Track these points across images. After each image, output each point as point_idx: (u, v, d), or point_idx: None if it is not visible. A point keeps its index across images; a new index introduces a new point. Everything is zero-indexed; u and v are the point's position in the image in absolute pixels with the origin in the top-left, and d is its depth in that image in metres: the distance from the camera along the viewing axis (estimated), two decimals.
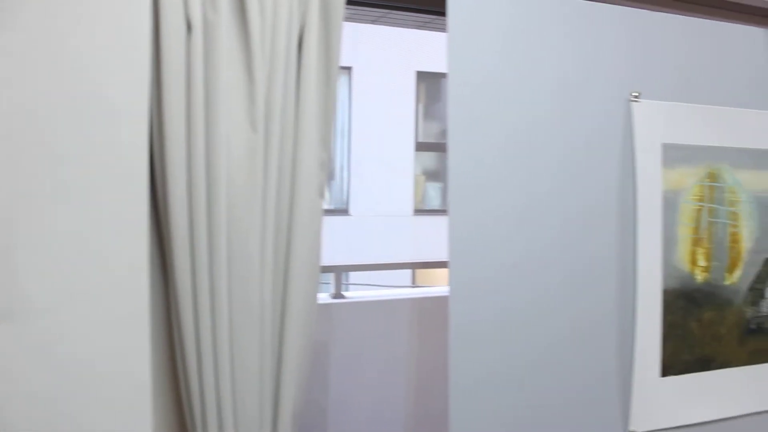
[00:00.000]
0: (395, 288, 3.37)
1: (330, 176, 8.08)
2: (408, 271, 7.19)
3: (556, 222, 1.48)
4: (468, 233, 1.40)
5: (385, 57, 8.01)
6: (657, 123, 1.59)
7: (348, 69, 8.06)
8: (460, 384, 1.39)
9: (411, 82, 8.32)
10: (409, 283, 6.91)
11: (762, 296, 1.74)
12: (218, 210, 1.33)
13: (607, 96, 1.55)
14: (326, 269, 3.26)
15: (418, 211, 7.93)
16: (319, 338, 2.40)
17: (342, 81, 8.10)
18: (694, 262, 1.64)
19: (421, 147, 8.31)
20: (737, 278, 1.70)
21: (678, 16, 1.67)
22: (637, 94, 1.56)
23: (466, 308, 1.39)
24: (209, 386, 1.34)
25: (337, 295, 2.68)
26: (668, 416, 1.63)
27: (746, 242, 1.71)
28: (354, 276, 7.17)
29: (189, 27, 1.30)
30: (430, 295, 2.71)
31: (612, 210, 1.54)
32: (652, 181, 1.58)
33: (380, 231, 7.21)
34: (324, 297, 2.70)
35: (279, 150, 1.40)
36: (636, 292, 1.56)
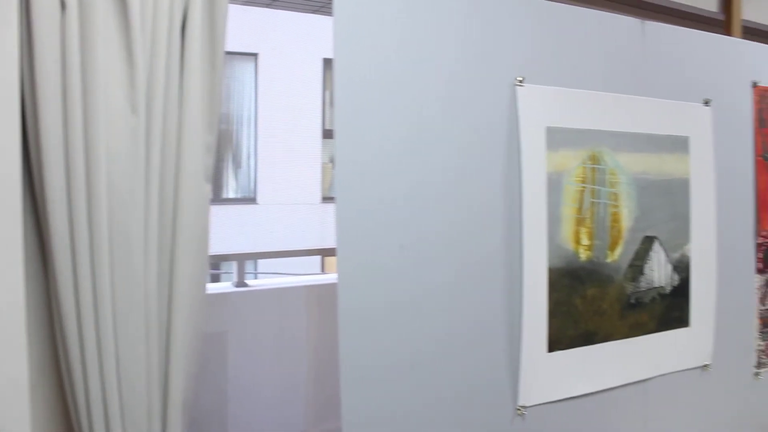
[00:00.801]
0: (302, 276, 3.35)
1: (237, 165, 7.96)
2: (318, 259, 7.19)
3: (445, 206, 1.50)
4: (355, 220, 1.40)
5: (293, 43, 7.93)
6: (541, 107, 1.64)
7: (254, 56, 7.94)
8: (351, 369, 1.40)
9: (318, 69, 8.28)
10: (319, 271, 6.90)
11: (641, 272, 1.83)
12: (98, 196, 1.29)
13: (493, 81, 1.58)
14: (228, 257, 3.23)
15: (327, 199, 7.92)
16: (221, 327, 2.37)
17: (248, 68, 7.97)
18: (577, 241, 1.70)
19: (329, 134, 8.29)
20: (618, 256, 1.78)
21: (561, 5, 1.72)
22: (521, 79, 1.61)
23: (354, 294, 1.40)
24: (94, 380, 1.30)
25: (240, 283, 2.65)
26: (555, 390, 1.69)
27: (626, 221, 1.79)
28: (263, 265, 7.11)
29: (63, 5, 1.25)
30: (331, 281, 2.71)
31: (499, 192, 1.58)
32: (536, 163, 1.63)
33: (288, 219, 7.16)
34: (226, 286, 2.67)
35: (162, 133, 1.37)
36: (523, 271, 1.60)
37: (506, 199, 1.59)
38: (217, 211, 7.70)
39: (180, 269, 1.41)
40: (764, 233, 2.17)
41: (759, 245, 2.16)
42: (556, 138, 1.66)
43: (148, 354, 1.37)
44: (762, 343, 2.19)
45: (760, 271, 2.17)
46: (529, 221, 1.61)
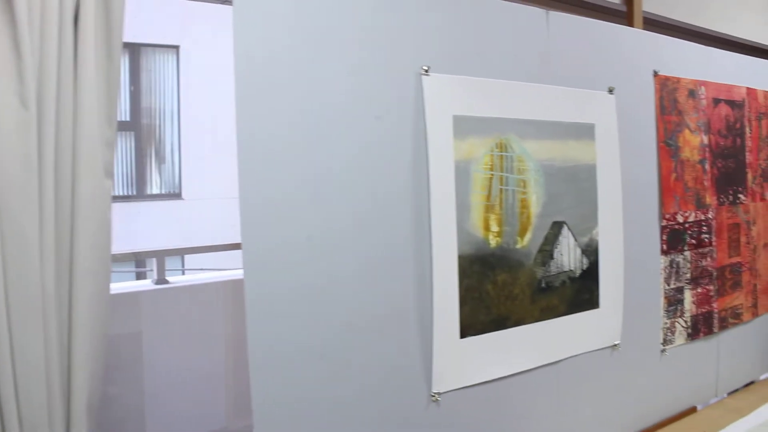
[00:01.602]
0: (229, 270, 3.31)
1: (160, 160, 7.77)
2: None
3: (351, 196, 1.50)
4: (260, 212, 1.39)
5: (215, 36, 7.78)
6: (447, 96, 1.65)
7: (175, 48, 7.75)
8: (260, 362, 1.38)
9: None
10: None
11: (551, 257, 1.87)
12: None
13: (398, 70, 1.58)
14: (143, 255, 3.16)
15: None
16: (140, 325, 2.32)
17: (169, 60, 7.78)
18: (487, 227, 1.73)
19: None
20: (528, 241, 1.81)
21: None
22: (426, 68, 1.61)
23: (262, 287, 1.38)
24: None
25: (161, 280, 2.60)
26: (468, 375, 1.72)
27: (534, 207, 1.83)
28: (191, 261, 6.98)
29: None
30: None
31: (407, 181, 1.58)
32: (443, 151, 1.64)
33: (215, 214, 7.04)
34: (147, 283, 2.62)
35: (55, 128, 1.32)
36: (432, 259, 1.62)
37: (414, 188, 1.60)
38: (141, 208, 7.54)
39: (80, 267, 1.37)
40: (668, 216, 2.25)
41: (663, 228, 2.24)
42: (463, 126, 1.68)
43: (48, 356, 1.32)
44: (668, 321, 2.27)
45: (664, 253, 2.25)
46: (438, 209, 1.62)
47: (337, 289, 1.48)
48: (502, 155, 1.76)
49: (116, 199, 7.71)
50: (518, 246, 1.79)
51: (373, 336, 1.54)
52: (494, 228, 1.74)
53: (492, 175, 1.74)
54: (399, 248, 1.58)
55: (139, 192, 7.65)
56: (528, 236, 1.82)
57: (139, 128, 7.62)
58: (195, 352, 2.40)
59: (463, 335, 1.69)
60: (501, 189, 1.75)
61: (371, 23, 1.54)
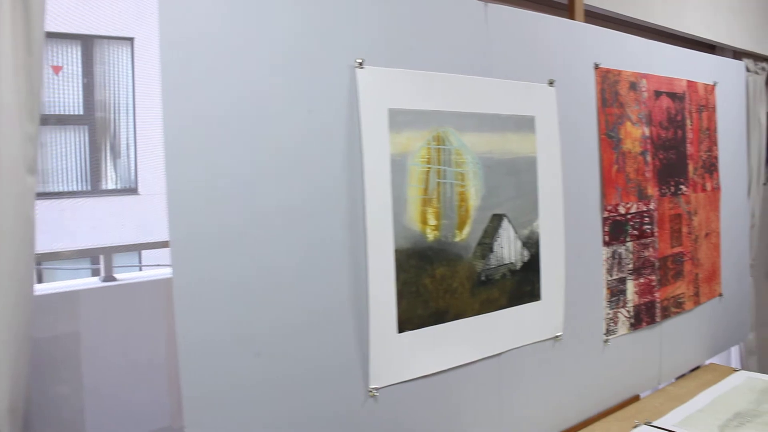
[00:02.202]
0: None
1: (115, 155, 7.64)
2: None
3: (284, 190, 1.48)
4: (188, 205, 1.36)
5: None
6: (382, 89, 1.64)
7: (129, 40, 7.63)
8: (191, 361, 1.36)
9: None
10: None
11: (491, 250, 1.87)
12: None
13: (331, 63, 1.56)
14: (94, 251, 3.11)
15: None
16: (83, 324, 2.27)
17: (123, 53, 7.65)
18: (424, 221, 1.72)
19: None
20: (466, 235, 1.81)
21: None
22: (360, 61, 1.60)
23: (190, 279, 1.35)
24: None
25: (108, 278, 2.55)
26: (408, 370, 1.71)
27: (473, 200, 1.83)
28: (149, 257, 6.88)
29: None
30: None
31: (340, 175, 1.57)
32: (379, 145, 1.63)
33: None
34: (94, 281, 2.57)
35: None
36: (367, 253, 1.60)
37: (348, 182, 1.58)
38: (96, 204, 7.41)
39: (0, 268, 1.33)
40: (610, 208, 2.27)
41: (605, 219, 2.26)
42: (399, 119, 1.67)
43: None
44: (610, 311, 2.30)
45: (606, 244, 2.27)
46: (373, 203, 1.61)
47: (270, 284, 1.46)
48: (439, 148, 1.75)
49: (70, 194, 7.57)
50: (457, 239, 1.79)
51: (309, 331, 1.53)
52: (432, 221, 1.73)
53: (429, 168, 1.73)
54: (333, 243, 1.56)
55: (93, 187, 7.52)
56: (467, 229, 1.81)
57: (93, 122, 7.48)
58: (140, 350, 2.35)
59: (401, 330, 1.69)
60: (438, 182, 1.75)
61: (304, 14, 1.52)
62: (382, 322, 1.64)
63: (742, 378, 2.68)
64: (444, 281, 1.77)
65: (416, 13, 1.73)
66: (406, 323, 1.69)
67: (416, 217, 1.70)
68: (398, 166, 1.66)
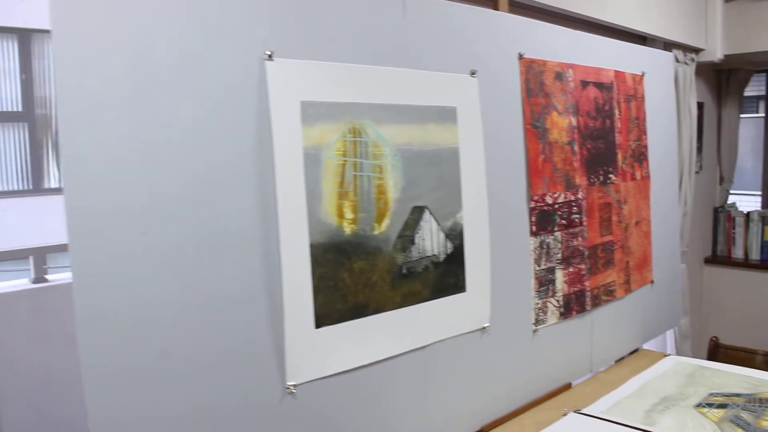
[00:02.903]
0: None
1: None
2: None
3: (189, 186, 1.43)
4: (88, 201, 1.31)
5: None
6: (294, 81, 1.61)
7: (48, 33, 7.41)
8: (93, 365, 1.31)
9: None
10: None
11: (412, 242, 1.86)
12: None
13: (239, 56, 1.52)
14: (24, 253, 3.02)
15: None
16: (9, 328, 2.20)
17: (43, 46, 7.44)
18: (341, 215, 1.69)
19: None
20: (386, 227, 1.79)
21: None
22: (270, 53, 1.56)
23: (90, 287, 1.31)
24: None
25: (38, 279, 2.49)
26: (326, 365, 1.69)
27: (392, 193, 1.81)
28: None
29: None
30: None
31: (250, 170, 1.53)
32: (291, 139, 1.60)
33: None
34: (23, 282, 2.50)
35: None
36: (280, 249, 1.57)
37: (259, 177, 1.55)
38: (38, 203, 7.21)
39: None
40: (536, 198, 2.27)
41: (532, 209, 2.26)
42: (312, 113, 1.64)
43: None
44: (539, 301, 2.31)
45: (534, 234, 2.28)
46: (285, 198, 1.58)
47: (177, 277, 1.42)
48: (355, 141, 1.73)
49: (10, 194, 7.34)
50: (375, 232, 1.77)
51: (218, 329, 1.49)
52: (349, 215, 1.71)
53: (345, 161, 1.70)
54: (244, 239, 1.53)
55: (35, 186, 7.31)
56: (386, 222, 1.80)
57: (33, 119, 7.27)
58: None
59: (318, 325, 1.66)
60: (355, 175, 1.72)
61: (209, 6, 1.47)
62: (297, 317, 1.62)
63: (671, 363, 2.72)
64: (363, 275, 1.75)
65: (330, 2, 1.70)
66: (324, 318, 1.67)
67: (332, 211, 1.68)
68: (312, 159, 1.64)
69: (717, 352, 2.95)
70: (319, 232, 1.65)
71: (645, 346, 3.02)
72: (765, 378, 2.50)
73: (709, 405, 2.25)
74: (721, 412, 2.19)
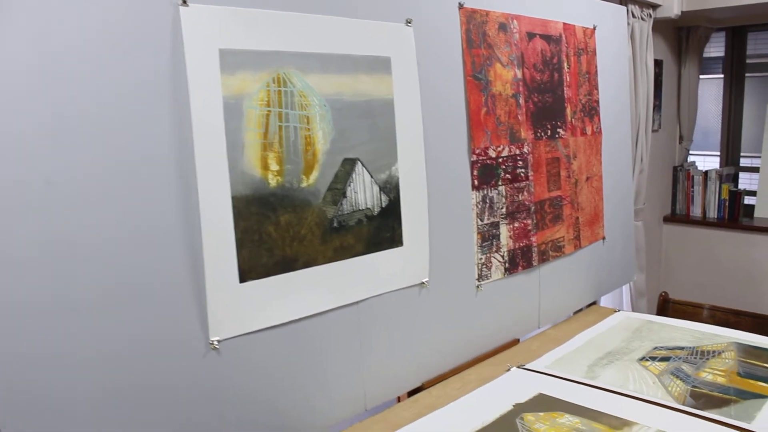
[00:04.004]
0: None
1: None
2: None
3: (100, 140, 1.37)
4: None
5: None
6: (211, 28, 1.54)
7: None
8: (5, 325, 1.26)
9: None
10: None
11: (343, 195, 1.82)
12: None
13: (151, 1, 1.45)
14: None
15: None
16: None
17: None
18: (265, 166, 1.65)
19: None
20: (314, 180, 1.75)
21: None
22: None
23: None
24: None
25: None
26: (253, 321, 1.65)
27: (321, 144, 1.76)
28: None
29: None
30: None
31: (165, 119, 1.47)
32: (209, 88, 1.54)
33: None
34: None
35: None
36: (199, 201, 1.53)
37: (175, 128, 1.49)
38: None
39: None
40: (478, 151, 2.24)
41: (473, 163, 2.23)
42: (232, 60, 1.58)
43: None
44: (482, 256, 2.28)
45: (476, 188, 2.24)
46: (203, 149, 1.53)
47: (89, 241, 1.36)
48: (280, 90, 1.67)
49: None
50: (303, 185, 1.73)
51: (135, 283, 1.44)
52: (274, 167, 1.66)
53: (269, 111, 1.65)
54: (160, 193, 1.47)
55: None
56: (315, 174, 1.75)
57: None
58: None
59: (243, 279, 1.62)
60: (280, 126, 1.67)
61: None
62: (220, 271, 1.58)
63: (620, 318, 2.72)
64: (290, 228, 1.70)
65: None
66: (249, 272, 1.63)
67: (256, 163, 1.63)
68: (233, 109, 1.58)
69: (666, 307, 2.96)
70: (242, 184, 1.60)
71: (602, 304, 3.03)
72: (708, 331, 2.51)
73: (653, 358, 2.26)
74: (663, 365, 2.19)
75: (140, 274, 1.45)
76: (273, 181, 1.66)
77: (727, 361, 2.21)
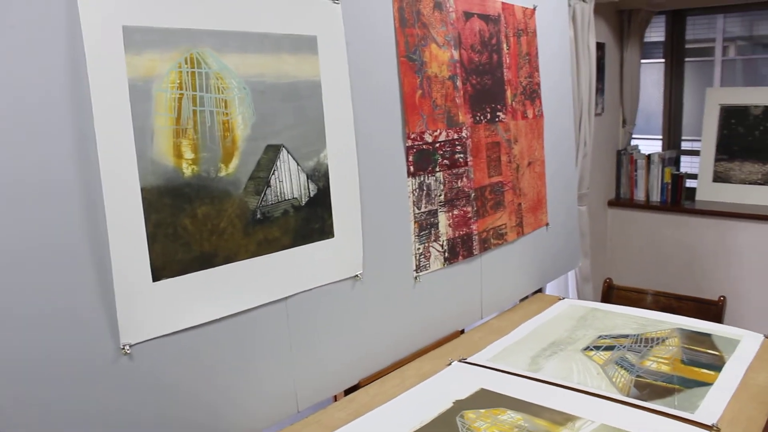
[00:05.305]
0: None
1: None
2: None
3: None
4: None
5: None
6: (112, 3, 1.40)
7: None
8: None
9: None
10: None
11: (267, 184, 1.69)
12: None
13: None
14: None
15: None
16: None
17: None
18: (179, 155, 1.51)
19: None
20: (234, 168, 1.62)
21: None
22: None
23: None
24: None
25: None
26: (169, 322, 1.52)
27: (241, 130, 1.64)
28: None
29: None
30: None
31: (61, 108, 1.33)
32: (111, 69, 1.40)
33: None
34: None
35: None
36: (103, 193, 1.39)
37: (75, 115, 1.34)
38: None
39: None
40: (414, 136, 2.14)
41: (409, 148, 2.12)
42: (138, 39, 1.44)
43: None
44: (420, 246, 2.19)
45: (412, 175, 2.14)
46: (107, 136, 1.39)
47: None
48: (193, 72, 1.54)
49: None
50: (222, 174, 1.60)
51: (33, 286, 1.30)
52: (188, 155, 1.53)
53: (182, 94, 1.52)
54: (58, 186, 1.32)
55: None
56: (234, 162, 1.62)
57: None
58: None
59: (156, 278, 1.49)
60: (195, 110, 1.54)
61: None
62: (129, 270, 1.44)
63: (565, 306, 2.67)
64: (209, 221, 1.58)
65: None
66: (162, 270, 1.50)
67: (168, 151, 1.49)
68: (140, 92, 1.44)
69: (611, 293, 2.91)
70: (153, 173, 1.47)
71: (548, 291, 2.97)
72: (652, 317, 2.47)
73: (597, 348, 2.20)
74: (607, 355, 2.13)
75: (39, 274, 1.31)
76: (188, 170, 1.53)
77: (670, 348, 2.16)
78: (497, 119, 2.52)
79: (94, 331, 1.40)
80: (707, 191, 4.35)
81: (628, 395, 1.84)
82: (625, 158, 4.52)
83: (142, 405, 1.49)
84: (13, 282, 1.27)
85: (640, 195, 4.49)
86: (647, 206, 4.42)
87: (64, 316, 1.35)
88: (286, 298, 1.77)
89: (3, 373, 1.27)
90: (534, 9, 2.76)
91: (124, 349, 1.45)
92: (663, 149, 4.76)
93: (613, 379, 1.94)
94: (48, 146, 1.31)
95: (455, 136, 2.30)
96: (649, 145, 5.07)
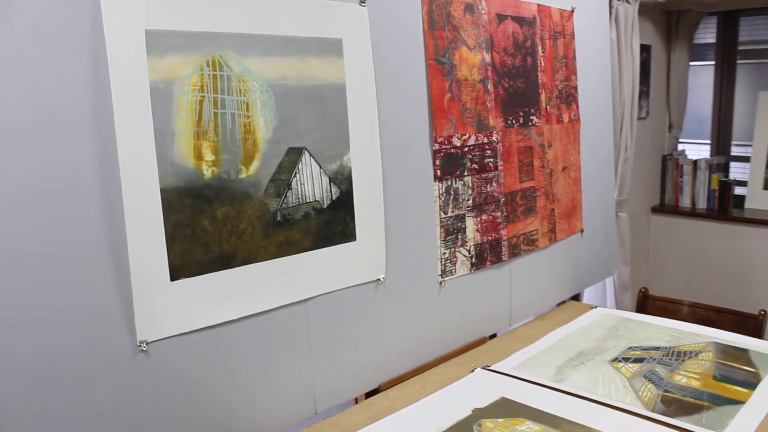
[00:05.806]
0: None
1: None
2: None
3: (12, 133, 1.26)
4: None
5: None
6: (135, 6, 1.42)
7: None
8: None
9: None
10: None
11: (288, 187, 1.70)
12: None
13: None
14: None
15: None
16: None
17: None
18: (199, 156, 1.53)
19: None
20: (255, 170, 1.64)
21: None
22: None
23: None
24: None
25: None
26: (188, 320, 1.55)
27: (262, 133, 1.65)
28: None
29: None
30: None
31: (85, 109, 1.36)
32: (134, 72, 1.42)
33: None
34: None
35: None
36: (122, 194, 1.41)
37: (97, 117, 1.37)
38: None
39: None
40: (441, 139, 2.12)
41: (436, 152, 2.11)
42: (161, 42, 1.46)
43: None
44: (446, 251, 2.17)
45: (438, 179, 2.13)
46: (127, 138, 1.41)
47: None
48: (215, 74, 1.55)
49: None
50: (243, 176, 1.61)
51: (54, 283, 1.33)
52: (209, 157, 1.55)
53: (203, 97, 1.54)
54: (80, 187, 1.35)
55: None
56: (255, 165, 1.64)
57: None
58: None
59: (174, 277, 1.51)
60: (216, 113, 1.56)
61: None
62: (148, 269, 1.47)
63: (597, 315, 2.61)
64: (228, 222, 1.59)
65: None
66: (181, 270, 1.52)
67: (188, 153, 1.52)
68: (162, 95, 1.47)
69: (646, 303, 2.84)
70: (173, 175, 1.49)
71: (585, 299, 2.91)
72: (687, 330, 2.40)
73: (626, 359, 2.15)
74: (635, 367, 2.08)
75: (61, 271, 1.34)
76: (208, 172, 1.55)
77: (703, 362, 2.10)
78: (530, 123, 2.49)
79: (112, 328, 1.43)
80: (757, 199, 4.21)
81: (653, 410, 1.79)
82: (670, 163, 4.41)
83: (158, 401, 1.51)
84: (34, 281, 1.31)
85: (685, 202, 4.37)
86: (693, 213, 4.31)
87: (83, 313, 1.38)
88: (305, 300, 1.77)
89: (23, 369, 1.30)
90: (572, 11, 2.72)
91: (141, 345, 1.48)
92: (711, 155, 4.62)
93: (640, 393, 1.89)
94: (71, 150, 1.34)
95: (485, 140, 2.28)
96: (698, 150, 4.92)
